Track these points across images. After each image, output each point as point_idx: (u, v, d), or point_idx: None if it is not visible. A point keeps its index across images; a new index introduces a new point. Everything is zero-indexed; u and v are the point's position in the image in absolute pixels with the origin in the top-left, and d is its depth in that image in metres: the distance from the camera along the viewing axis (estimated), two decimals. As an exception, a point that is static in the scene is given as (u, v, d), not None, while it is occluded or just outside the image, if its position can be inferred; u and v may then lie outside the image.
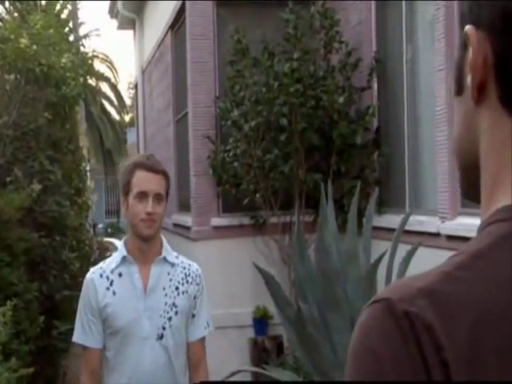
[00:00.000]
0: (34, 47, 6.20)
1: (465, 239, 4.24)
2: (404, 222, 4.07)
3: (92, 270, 2.81)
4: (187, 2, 7.33)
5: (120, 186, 2.77)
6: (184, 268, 2.80)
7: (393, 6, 6.15)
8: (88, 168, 10.84)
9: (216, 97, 7.09)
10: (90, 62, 9.16)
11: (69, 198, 6.62)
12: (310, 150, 6.54)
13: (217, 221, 7.03)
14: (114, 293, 2.69)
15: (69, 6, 9.60)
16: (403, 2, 5.91)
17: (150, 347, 2.67)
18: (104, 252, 8.79)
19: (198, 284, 2.80)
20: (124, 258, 2.73)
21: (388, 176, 6.27)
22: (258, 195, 6.60)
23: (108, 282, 2.71)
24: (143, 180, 2.67)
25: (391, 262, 3.79)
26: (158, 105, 10.44)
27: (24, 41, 6.14)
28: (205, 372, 2.85)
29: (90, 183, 9.86)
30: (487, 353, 0.62)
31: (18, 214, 5.16)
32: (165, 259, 2.76)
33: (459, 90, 0.77)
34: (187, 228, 7.49)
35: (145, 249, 2.73)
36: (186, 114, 7.69)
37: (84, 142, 10.47)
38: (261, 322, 6.80)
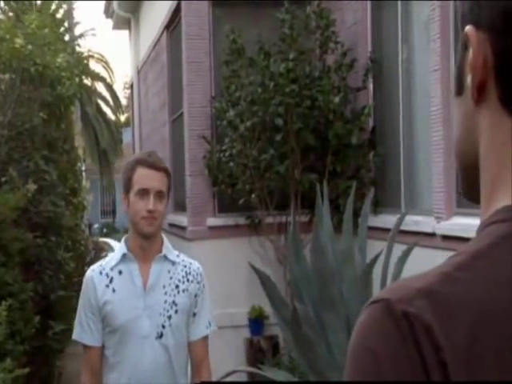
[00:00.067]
0: (29, 47, 6.18)
1: (460, 239, 4.25)
2: (399, 222, 4.08)
3: (92, 267, 2.79)
4: (183, 2, 7.32)
5: (121, 182, 2.75)
6: (185, 266, 2.77)
7: (388, 6, 6.16)
8: (83, 168, 10.82)
9: (212, 97, 7.09)
10: (85, 61, 9.16)
11: (64, 198, 6.61)
12: (305, 150, 6.54)
13: (212, 221, 7.03)
14: (114, 290, 2.67)
15: (64, 6, 9.57)
16: (399, 3, 5.91)
17: (150, 346, 2.64)
18: (99, 252, 8.78)
19: (198, 282, 2.77)
20: (124, 256, 2.71)
21: (383, 176, 6.28)
22: (253, 195, 6.60)
23: (108, 279, 2.69)
24: (144, 177, 2.64)
25: (387, 262, 3.80)
26: (154, 105, 10.43)
27: (19, 40, 6.12)
28: (207, 372, 2.81)
29: (85, 183, 9.86)
30: (486, 353, 0.62)
31: (13, 214, 5.15)
32: (165, 257, 2.74)
33: (459, 90, 0.77)
34: (183, 228, 7.48)
35: (145, 246, 2.71)
36: (182, 113, 7.68)
37: (79, 141, 10.47)
38: (256, 322, 6.80)
